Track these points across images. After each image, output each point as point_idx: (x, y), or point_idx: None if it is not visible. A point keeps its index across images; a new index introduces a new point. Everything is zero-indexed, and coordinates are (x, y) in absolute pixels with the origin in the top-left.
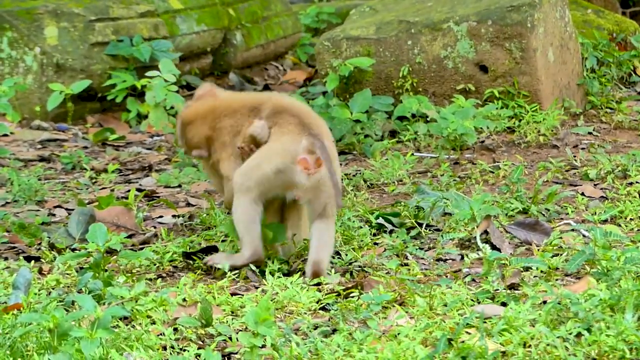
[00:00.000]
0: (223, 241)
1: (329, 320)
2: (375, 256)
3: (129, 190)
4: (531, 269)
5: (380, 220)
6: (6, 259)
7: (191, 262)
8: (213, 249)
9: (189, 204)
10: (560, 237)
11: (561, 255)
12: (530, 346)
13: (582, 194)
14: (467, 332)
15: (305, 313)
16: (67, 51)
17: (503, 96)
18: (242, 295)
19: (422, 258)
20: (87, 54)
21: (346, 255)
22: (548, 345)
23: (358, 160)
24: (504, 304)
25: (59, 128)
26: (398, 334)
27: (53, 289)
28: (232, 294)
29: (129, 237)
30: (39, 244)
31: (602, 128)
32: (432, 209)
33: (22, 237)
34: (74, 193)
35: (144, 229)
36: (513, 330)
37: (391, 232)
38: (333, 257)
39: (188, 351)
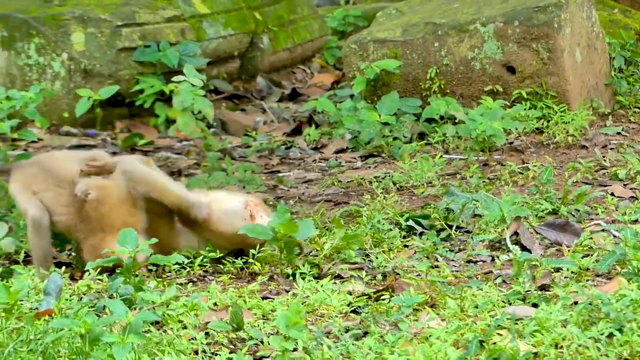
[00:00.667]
0: None
1: (360, 323)
2: (405, 258)
3: None
4: (562, 269)
5: (410, 223)
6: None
7: (221, 266)
8: (241, 253)
9: None
10: (591, 238)
11: (592, 255)
12: (561, 347)
13: (612, 194)
14: (498, 334)
15: (336, 316)
16: (94, 57)
17: (531, 97)
18: (273, 299)
19: (453, 260)
20: (115, 60)
21: (377, 258)
22: (580, 346)
23: (387, 163)
24: (535, 305)
25: (88, 134)
26: (429, 336)
27: (84, 294)
28: (263, 298)
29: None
30: (70, 249)
31: (631, 128)
32: (462, 211)
33: (54, 243)
34: None
35: None
36: (544, 331)
37: (421, 234)
38: (363, 260)
39: (220, 355)
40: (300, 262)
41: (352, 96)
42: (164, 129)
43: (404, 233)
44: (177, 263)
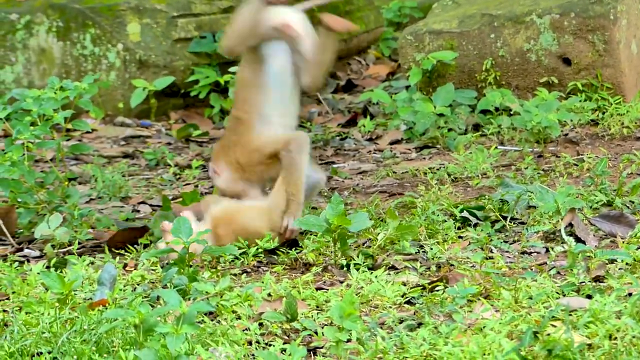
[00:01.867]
0: (301, 233)
1: (414, 314)
2: (459, 250)
3: (212, 186)
4: (616, 261)
5: (465, 214)
6: (93, 254)
7: (275, 257)
8: (294, 244)
9: None
10: None
11: None
12: (616, 338)
13: None
14: (552, 325)
15: (390, 307)
16: (149, 47)
17: (586, 89)
18: (327, 289)
19: (507, 251)
20: (170, 50)
21: (431, 249)
22: (634, 337)
23: (442, 154)
24: (589, 297)
25: (142, 124)
26: (483, 327)
27: (138, 284)
28: (317, 289)
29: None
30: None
31: None
32: (517, 202)
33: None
34: (158, 189)
35: None
36: (598, 322)
37: (475, 225)
38: (418, 252)
39: (273, 346)
40: (354, 253)
41: (407, 87)
42: (219, 119)
43: (458, 224)
44: (231, 254)
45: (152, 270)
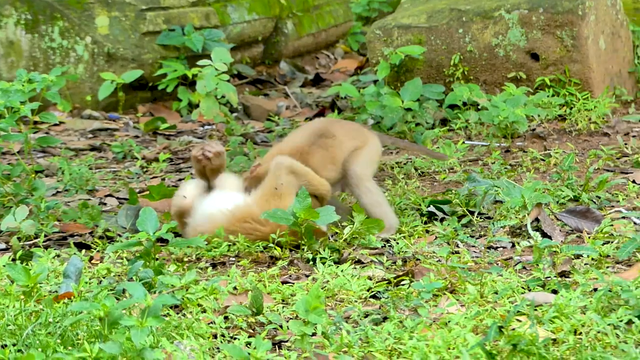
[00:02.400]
0: None
1: (380, 308)
2: (426, 244)
3: (180, 179)
4: (582, 256)
5: (431, 209)
6: (59, 247)
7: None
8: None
9: None
10: (611, 225)
11: (612, 242)
12: (581, 333)
13: (633, 181)
14: (517, 320)
15: (356, 301)
16: (118, 40)
17: (554, 84)
18: (293, 283)
19: (473, 246)
20: (138, 43)
21: (397, 243)
22: (599, 332)
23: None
24: (554, 292)
25: (110, 117)
26: (449, 321)
27: (104, 277)
28: (283, 282)
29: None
30: (91, 232)
31: None
32: (484, 197)
33: (82, 218)
34: (125, 182)
35: None
36: (564, 317)
37: (442, 220)
38: (384, 246)
39: (239, 339)
40: (320, 247)
41: (375, 82)
42: (187, 113)
43: (425, 219)
44: (197, 246)
45: (118, 263)
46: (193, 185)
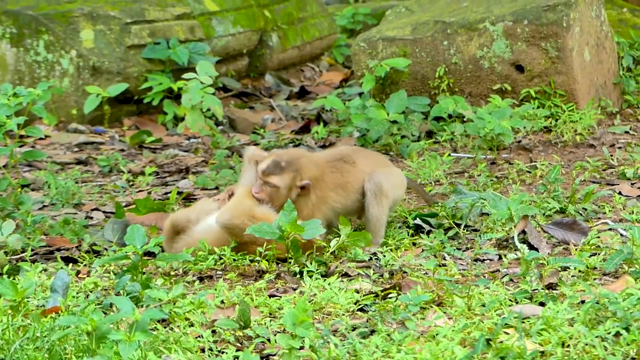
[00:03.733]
0: None
1: (367, 321)
2: (413, 257)
3: (166, 193)
4: (569, 268)
5: (418, 221)
6: (46, 261)
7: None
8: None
9: None
10: (598, 237)
11: (599, 254)
12: (568, 346)
13: (620, 193)
14: (505, 332)
15: (343, 314)
16: (103, 54)
17: (539, 96)
18: (280, 297)
19: (460, 258)
20: (123, 57)
21: (384, 256)
22: (586, 344)
23: (395, 161)
24: (542, 304)
25: (96, 131)
26: (436, 334)
27: (91, 291)
28: (270, 296)
29: None
30: (77, 246)
31: (639, 127)
32: (470, 210)
33: (66, 234)
34: (111, 196)
35: None
36: (551, 330)
37: (429, 232)
38: (370, 259)
39: (226, 353)
40: (307, 260)
41: (360, 94)
42: (172, 126)
43: (411, 231)
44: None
45: (106, 277)
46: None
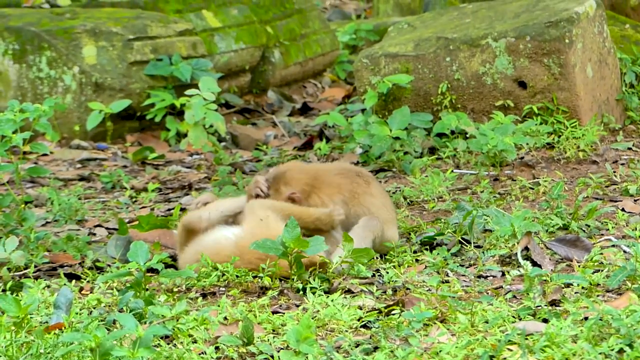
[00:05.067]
0: None
1: (371, 338)
2: (416, 273)
3: (169, 209)
4: (572, 285)
5: (423, 237)
6: (49, 277)
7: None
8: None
9: None
10: (601, 253)
11: (602, 271)
12: None
13: (623, 209)
14: (508, 349)
15: (347, 331)
16: (105, 70)
17: (542, 112)
18: (283, 313)
19: (463, 275)
20: (126, 73)
21: (387, 272)
22: None
23: (397, 178)
24: (545, 321)
25: (99, 147)
26: (440, 351)
27: (94, 308)
28: (274, 312)
29: (171, 257)
30: (81, 263)
31: None
32: (472, 223)
33: (69, 250)
34: (114, 212)
35: None
36: (555, 346)
37: (432, 249)
38: (374, 275)
39: None
40: (310, 277)
41: (363, 110)
42: (175, 142)
43: (414, 248)
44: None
45: (109, 293)
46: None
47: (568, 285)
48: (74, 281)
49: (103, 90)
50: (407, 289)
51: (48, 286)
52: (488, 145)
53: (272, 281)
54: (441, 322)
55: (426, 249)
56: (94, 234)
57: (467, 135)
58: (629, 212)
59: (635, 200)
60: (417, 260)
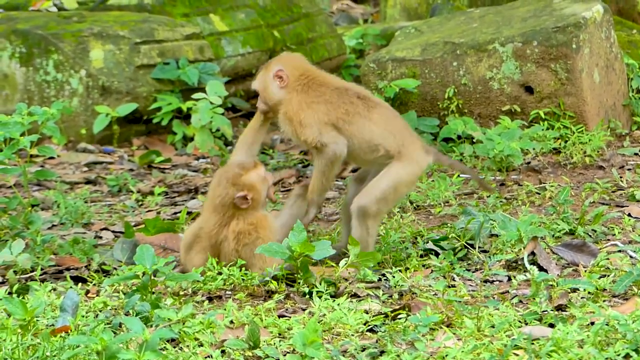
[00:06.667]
0: None
1: (377, 342)
2: (422, 278)
3: (175, 213)
4: (578, 290)
5: (429, 245)
6: (55, 280)
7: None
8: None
9: None
10: (607, 258)
11: (608, 276)
12: None
13: (629, 214)
14: (515, 354)
15: (353, 335)
16: (112, 74)
17: (549, 117)
18: (290, 317)
19: (470, 279)
20: (133, 77)
21: (393, 277)
22: None
23: None
24: (551, 325)
25: (105, 150)
26: (446, 355)
27: (100, 311)
28: (280, 316)
29: (177, 260)
30: (87, 266)
31: None
32: (479, 231)
33: (75, 253)
34: (120, 215)
35: None
36: (561, 351)
37: (438, 253)
38: (380, 279)
39: None
40: (316, 281)
41: None
42: (181, 146)
43: (421, 252)
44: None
45: (115, 296)
46: None
47: (574, 290)
48: (80, 284)
49: (110, 94)
50: (414, 293)
51: (54, 289)
52: (494, 150)
53: (278, 285)
54: (447, 326)
55: (432, 254)
56: (100, 237)
57: (474, 140)
58: (635, 218)
59: None
60: (423, 265)
